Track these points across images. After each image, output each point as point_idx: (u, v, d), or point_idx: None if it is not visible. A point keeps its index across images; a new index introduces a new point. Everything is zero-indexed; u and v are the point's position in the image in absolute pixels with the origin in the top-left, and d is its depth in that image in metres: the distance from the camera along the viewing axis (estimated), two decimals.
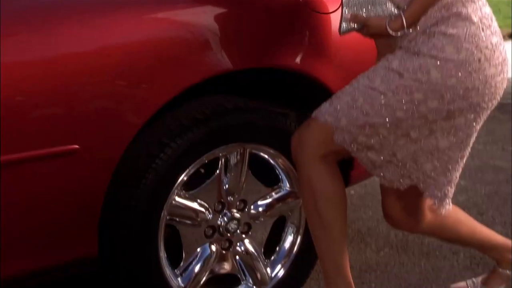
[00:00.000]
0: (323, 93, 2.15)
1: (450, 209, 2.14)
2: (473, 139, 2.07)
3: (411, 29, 1.95)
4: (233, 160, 2.21)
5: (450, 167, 2.06)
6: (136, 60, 1.95)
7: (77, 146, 1.90)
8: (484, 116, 2.04)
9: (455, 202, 2.17)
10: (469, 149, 2.08)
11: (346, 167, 2.29)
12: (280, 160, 2.28)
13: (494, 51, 1.95)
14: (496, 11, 9.16)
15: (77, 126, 1.90)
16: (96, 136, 1.93)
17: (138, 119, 1.99)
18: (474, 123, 2.02)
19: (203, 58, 2.06)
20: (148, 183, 2.05)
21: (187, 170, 2.10)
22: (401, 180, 2.07)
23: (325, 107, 2.06)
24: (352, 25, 1.99)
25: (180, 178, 2.10)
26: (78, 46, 1.90)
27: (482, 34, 1.93)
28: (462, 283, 2.60)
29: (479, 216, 3.24)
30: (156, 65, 1.98)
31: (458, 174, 2.11)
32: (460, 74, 1.93)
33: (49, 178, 1.90)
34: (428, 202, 2.20)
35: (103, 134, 1.94)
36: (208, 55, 2.07)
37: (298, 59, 2.20)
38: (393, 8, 1.97)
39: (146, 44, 1.98)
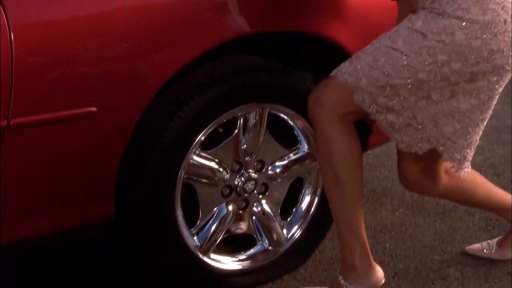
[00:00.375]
0: (343, 57, 2.10)
1: (469, 172, 2.12)
2: (494, 102, 2.04)
3: None
4: (251, 120, 2.19)
5: (471, 130, 2.04)
6: (155, 22, 1.92)
7: (94, 109, 1.87)
8: (506, 79, 2.00)
9: (472, 163, 2.15)
10: (490, 111, 2.05)
11: (365, 132, 2.26)
12: (298, 121, 2.26)
13: None
14: None
15: (94, 88, 1.87)
16: (114, 98, 1.90)
17: (157, 81, 1.96)
18: (496, 86, 1.99)
19: (222, 21, 2.03)
20: (166, 141, 2.03)
21: (206, 129, 2.09)
22: (419, 144, 2.05)
23: (345, 66, 2.02)
24: None
25: (198, 137, 2.09)
26: (97, 7, 1.86)
27: None
28: (477, 245, 2.60)
29: (496, 177, 3.23)
30: (175, 27, 1.95)
31: (478, 137, 2.08)
32: (485, 36, 1.89)
33: (67, 140, 1.88)
34: (446, 165, 2.18)
35: (121, 96, 1.91)
36: (226, 17, 2.03)
37: (317, 22, 2.16)
38: None
39: (165, 6, 1.94)
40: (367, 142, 2.39)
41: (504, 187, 3.05)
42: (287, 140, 2.31)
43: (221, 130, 2.20)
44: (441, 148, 2.05)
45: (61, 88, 1.84)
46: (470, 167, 2.13)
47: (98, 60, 1.88)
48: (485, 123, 2.07)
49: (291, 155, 2.31)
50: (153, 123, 2.02)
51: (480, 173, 3.16)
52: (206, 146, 2.16)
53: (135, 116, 1.98)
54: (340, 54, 2.20)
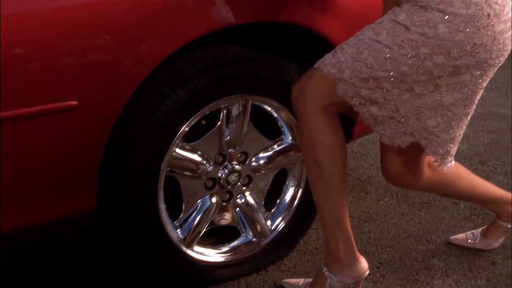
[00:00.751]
0: (328, 48, 2.09)
1: (452, 166, 2.12)
2: (478, 96, 2.03)
3: None
4: (235, 111, 2.17)
5: (454, 124, 2.03)
6: (138, 12, 1.89)
7: (75, 102, 1.85)
8: (491, 73, 1.99)
9: (457, 151, 2.15)
10: (474, 106, 2.04)
11: (349, 122, 2.26)
12: (282, 113, 2.25)
13: (504, 6, 1.90)
14: None
15: (75, 80, 1.84)
16: (95, 90, 1.88)
17: (140, 73, 1.94)
18: (480, 80, 1.98)
19: (206, 11, 2.00)
20: (149, 134, 2.01)
21: (188, 121, 2.07)
22: (402, 137, 2.04)
23: (329, 58, 2.01)
24: None
25: (181, 129, 2.07)
26: None
27: None
28: (462, 235, 2.61)
29: (481, 165, 3.23)
30: (158, 17, 1.92)
31: (462, 132, 2.07)
32: (468, 30, 1.87)
33: (47, 133, 1.86)
34: (429, 159, 2.18)
35: (103, 89, 1.89)
36: (211, 8, 2.00)
37: (302, 14, 2.13)
38: None
39: None
40: (352, 132, 2.38)
41: (488, 175, 3.07)
42: (271, 130, 2.30)
43: (204, 122, 2.18)
44: (423, 141, 2.05)
45: (41, 81, 1.81)
46: (453, 161, 2.13)
47: (79, 51, 1.84)
48: (469, 118, 2.06)
49: (275, 146, 2.30)
50: (135, 115, 2.00)
51: (465, 161, 3.20)
52: (189, 138, 2.14)
53: (117, 108, 1.96)
54: (325, 45, 2.18)
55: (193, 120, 2.09)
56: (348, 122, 2.23)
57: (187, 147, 2.13)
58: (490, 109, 3.88)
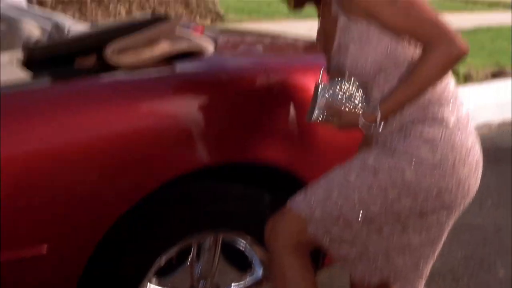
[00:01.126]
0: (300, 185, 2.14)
1: None
2: (445, 234, 2.07)
3: (382, 125, 1.94)
4: (206, 245, 2.19)
5: (422, 262, 2.06)
6: (112, 154, 1.93)
7: (45, 246, 1.86)
8: (457, 213, 2.03)
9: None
10: (441, 244, 2.08)
11: (319, 252, 2.28)
12: (254, 246, 2.26)
13: (470, 152, 1.94)
14: (480, 47, 9.05)
15: (46, 224, 1.86)
16: (68, 233, 1.89)
17: (113, 213, 1.96)
18: (446, 219, 2.02)
19: (182, 154, 2.04)
20: (121, 271, 2.02)
21: (159, 259, 2.08)
22: (372, 275, 2.07)
23: (300, 198, 2.04)
24: (324, 114, 1.97)
25: (152, 267, 2.07)
26: (54, 138, 1.87)
27: (458, 136, 1.92)
28: None
29: (454, 282, 3.23)
30: (134, 160, 1.96)
31: (429, 267, 2.10)
32: (434, 176, 1.92)
33: (17, 278, 1.86)
34: None
35: (75, 231, 1.91)
36: (186, 150, 2.05)
37: (277, 155, 2.19)
38: (364, 103, 1.95)
39: (123, 137, 1.95)
40: (322, 261, 2.39)
41: None
42: (242, 262, 2.30)
43: (174, 262, 2.19)
44: (392, 279, 2.07)
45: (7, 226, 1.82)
46: None
47: (51, 192, 1.87)
48: (436, 254, 2.09)
49: (247, 277, 2.31)
50: (107, 253, 2.01)
51: (438, 279, 3.19)
52: (160, 271, 2.14)
53: (90, 246, 1.97)
54: (298, 182, 2.22)
55: (163, 257, 2.09)
56: (318, 252, 2.24)
57: (159, 282, 2.13)
58: (464, 221, 3.87)
